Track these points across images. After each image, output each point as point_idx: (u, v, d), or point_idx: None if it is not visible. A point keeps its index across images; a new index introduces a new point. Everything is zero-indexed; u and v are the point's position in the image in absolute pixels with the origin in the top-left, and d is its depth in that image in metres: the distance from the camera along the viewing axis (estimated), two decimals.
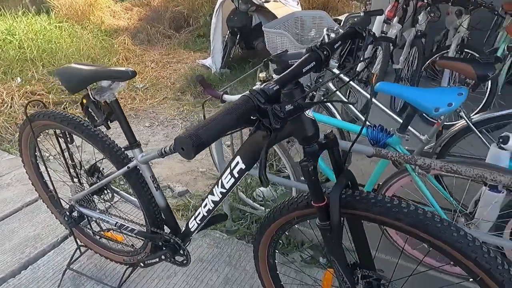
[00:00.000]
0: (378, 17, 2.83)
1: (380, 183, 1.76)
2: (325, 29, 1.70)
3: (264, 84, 0.65)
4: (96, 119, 1.25)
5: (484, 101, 2.73)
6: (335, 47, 0.83)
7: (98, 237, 1.80)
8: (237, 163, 1.03)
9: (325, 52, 0.78)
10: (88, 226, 1.78)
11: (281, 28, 1.99)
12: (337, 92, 1.79)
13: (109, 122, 1.25)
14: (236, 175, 1.05)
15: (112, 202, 1.62)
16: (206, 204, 1.20)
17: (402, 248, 1.54)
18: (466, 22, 2.87)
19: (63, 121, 1.34)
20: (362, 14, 2.42)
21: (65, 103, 4.00)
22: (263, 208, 2.17)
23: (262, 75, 1.58)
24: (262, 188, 2.29)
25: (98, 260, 1.85)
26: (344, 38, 0.90)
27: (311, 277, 1.67)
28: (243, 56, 5.35)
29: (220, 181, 1.10)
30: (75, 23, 6.11)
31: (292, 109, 0.65)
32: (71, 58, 4.75)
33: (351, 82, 2.08)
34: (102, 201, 1.62)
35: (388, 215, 0.87)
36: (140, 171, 1.35)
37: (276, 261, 1.28)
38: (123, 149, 1.34)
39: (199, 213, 1.24)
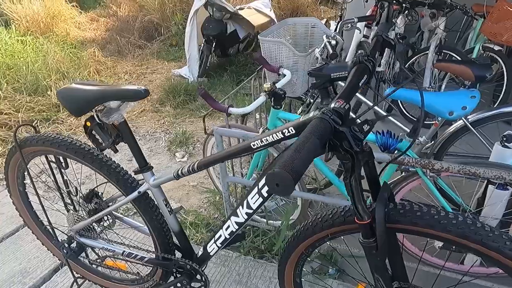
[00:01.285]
0: (359, 22, 2.88)
1: None
2: (324, 36, 1.68)
3: (334, 103, 0.60)
4: (102, 142, 1.15)
5: None
6: (376, 57, 0.80)
7: (95, 266, 1.67)
8: None
9: (371, 63, 0.75)
10: (84, 255, 1.65)
11: (274, 36, 1.95)
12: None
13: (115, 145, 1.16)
14: (265, 195, 1.00)
15: (112, 229, 1.51)
16: (228, 227, 1.13)
17: (420, 257, 1.53)
18: (443, 23, 2.98)
19: (61, 146, 1.22)
20: (355, 19, 2.43)
21: (35, 122, 3.76)
22: (265, 220, 2.12)
23: (266, 85, 1.54)
24: None
25: None
26: (377, 48, 0.88)
27: None
28: (219, 64, 5.28)
29: (245, 202, 1.05)
30: (39, 36, 5.78)
31: (369, 129, 0.61)
32: (38, 73, 4.48)
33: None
34: (101, 228, 1.51)
35: (436, 227, 0.84)
36: (150, 196, 1.26)
37: (303, 280, 1.23)
38: (131, 173, 1.24)
39: (220, 235, 1.17)
